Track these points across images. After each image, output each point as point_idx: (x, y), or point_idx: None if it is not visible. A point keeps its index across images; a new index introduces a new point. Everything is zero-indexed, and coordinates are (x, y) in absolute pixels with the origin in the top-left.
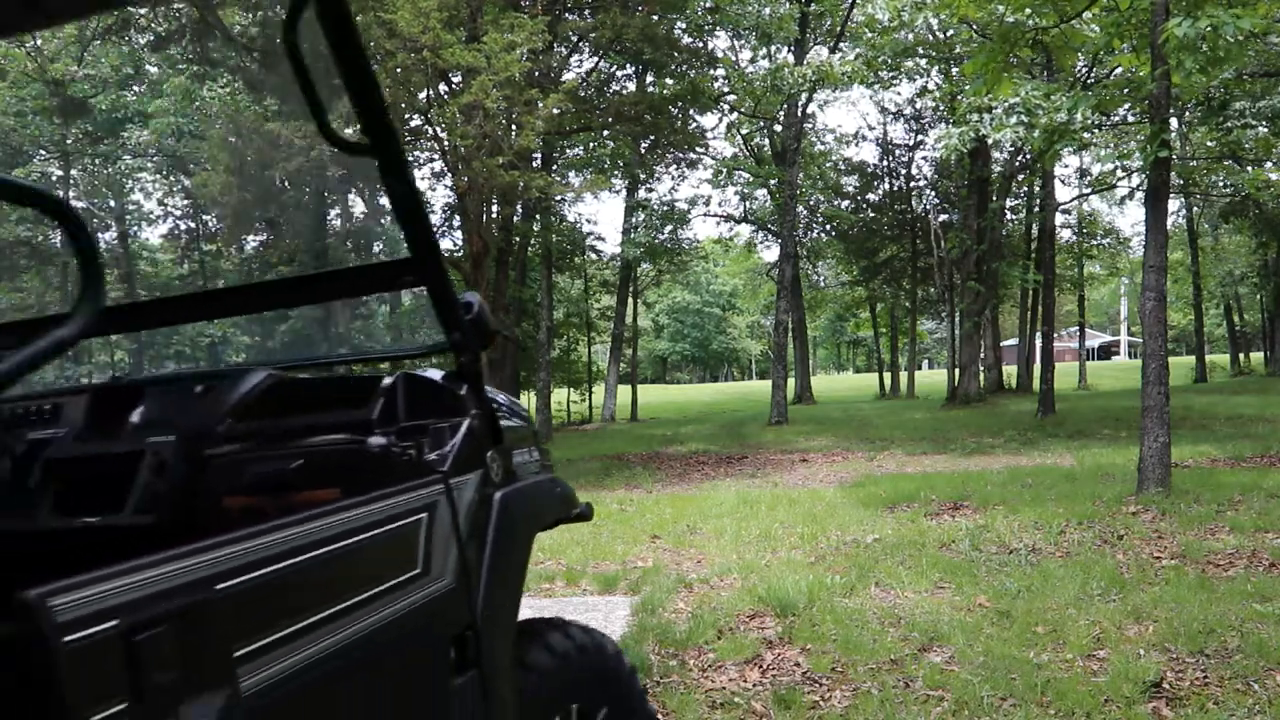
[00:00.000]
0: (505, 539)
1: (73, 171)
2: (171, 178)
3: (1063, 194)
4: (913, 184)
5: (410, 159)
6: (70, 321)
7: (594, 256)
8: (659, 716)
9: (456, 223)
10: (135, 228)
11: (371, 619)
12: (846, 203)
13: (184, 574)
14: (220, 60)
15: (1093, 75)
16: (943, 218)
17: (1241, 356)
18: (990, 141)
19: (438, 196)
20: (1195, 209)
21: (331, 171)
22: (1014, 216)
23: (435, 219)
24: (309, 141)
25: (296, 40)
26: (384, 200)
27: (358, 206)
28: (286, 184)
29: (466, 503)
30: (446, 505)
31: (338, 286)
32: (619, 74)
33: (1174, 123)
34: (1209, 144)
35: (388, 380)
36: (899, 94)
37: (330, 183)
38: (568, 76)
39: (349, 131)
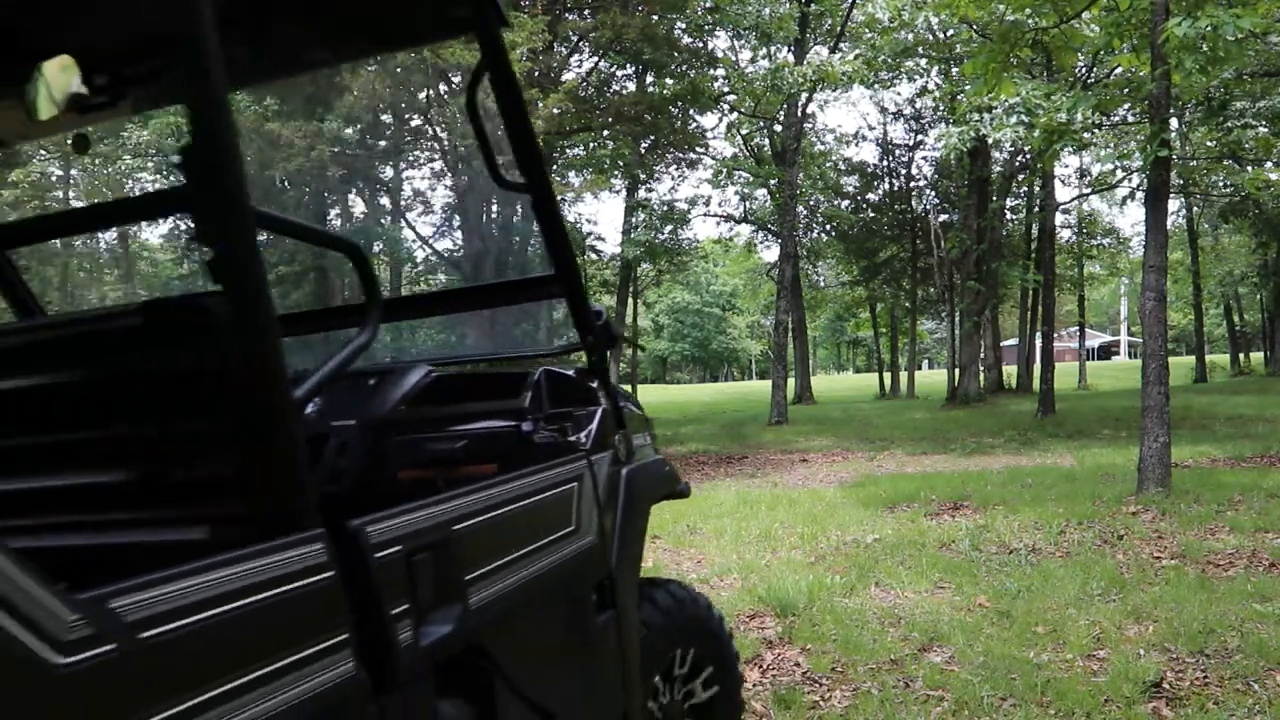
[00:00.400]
0: (631, 508)
1: (73, 171)
2: (172, 178)
3: (1063, 194)
4: (913, 184)
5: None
6: (363, 331)
7: (594, 256)
8: (740, 657)
9: (457, 223)
10: (135, 228)
11: (544, 561)
12: (846, 203)
13: (436, 518)
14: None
15: (1093, 75)
16: (943, 218)
17: (1241, 356)
18: (990, 141)
19: (438, 196)
20: (1195, 209)
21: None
22: (1014, 216)
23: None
24: (309, 141)
25: (476, 103)
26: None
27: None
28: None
29: (603, 477)
30: (589, 478)
31: (500, 295)
32: (619, 74)
33: (1174, 123)
34: (1209, 144)
35: (533, 375)
36: (899, 94)
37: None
38: (568, 76)
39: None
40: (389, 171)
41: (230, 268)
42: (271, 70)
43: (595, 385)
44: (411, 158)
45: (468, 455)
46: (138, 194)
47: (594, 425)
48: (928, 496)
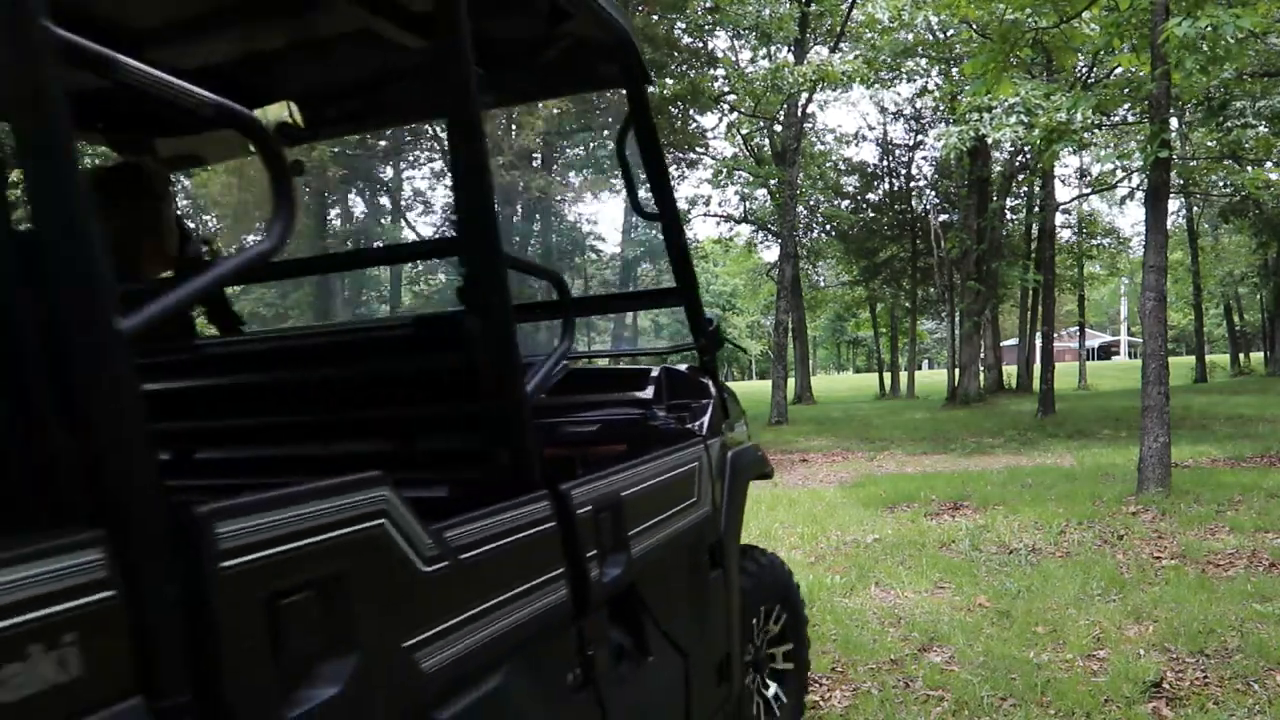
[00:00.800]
0: (735, 485)
1: None
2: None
3: (1063, 194)
4: (913, 184)
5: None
6: (563, 340)
7: (594, 256)
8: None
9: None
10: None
11: (677, 525)
12: (846, 203)
13: (612, 486)
14: None
15: (1093, 75)
16: (943, 218)
17: (1241, 356)
18: (990, 141)
19: (438, 196)
20: (1195, 209)
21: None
22: (1014, 216)
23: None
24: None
25: (623, 147)
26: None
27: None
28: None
29: (714, 459)
30: (706, 460)
31: (636, 301)
32: None
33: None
34: (1209, 144)
35: (655, 371)
36: (899, 94)
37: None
38: None
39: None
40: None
41: (485, 296)
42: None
43: (706, 381)
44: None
45: (601, 438)
46: (415, 240)
47: (707, 415)
48: (928, 496)
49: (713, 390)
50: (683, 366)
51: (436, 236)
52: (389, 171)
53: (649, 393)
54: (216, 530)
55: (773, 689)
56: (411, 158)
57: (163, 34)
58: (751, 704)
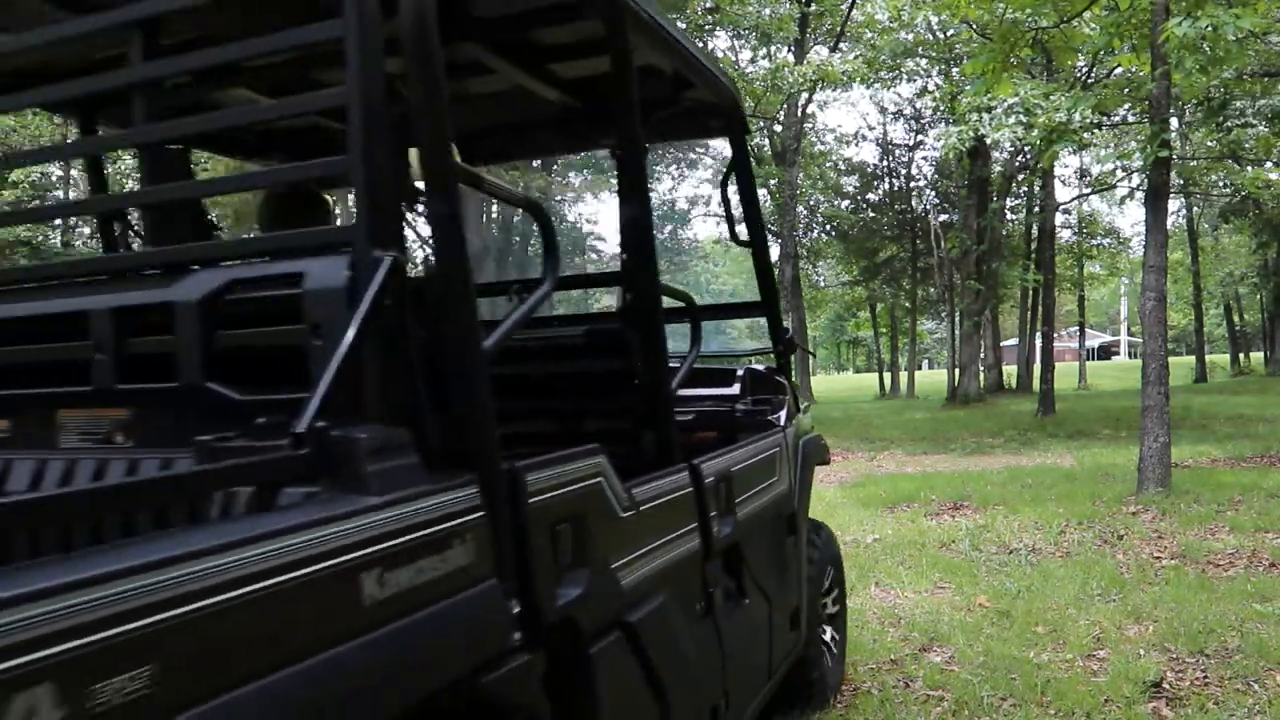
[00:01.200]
0: (805, 468)
1: (73, 172)
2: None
3: (1063, 194)
4: (913, 184)
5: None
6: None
7: (594, 256)
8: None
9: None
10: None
11: (765, 497)
12: (846, 203)
13: (726, 464)
14: None
15: (1092, 75)
16: (943, 218)
17: (1241, 356)
18: (990, 141)
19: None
20: (1195, 209)
21: None
22: (1014, 216)
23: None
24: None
25: (726, 186)
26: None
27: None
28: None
29: (790, 445)
30: (785, 446)
31: (726, 311)
32: None
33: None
34: (1209, 144)
35: (739, 370)
36: (899, 94)
37: None
38: None
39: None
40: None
41: (642, 318)
42: (571, 148)
43: (781, 379)
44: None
45: (698, 425)
46: (591, 271)
47: (785, 409)
48: (928, 496)
49: (787, 387)
50: (761, 366)
51: (604, 271)
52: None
53: (735, 389)
54: (528, 478)
55: (829, 633)
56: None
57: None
58: (819, 647)
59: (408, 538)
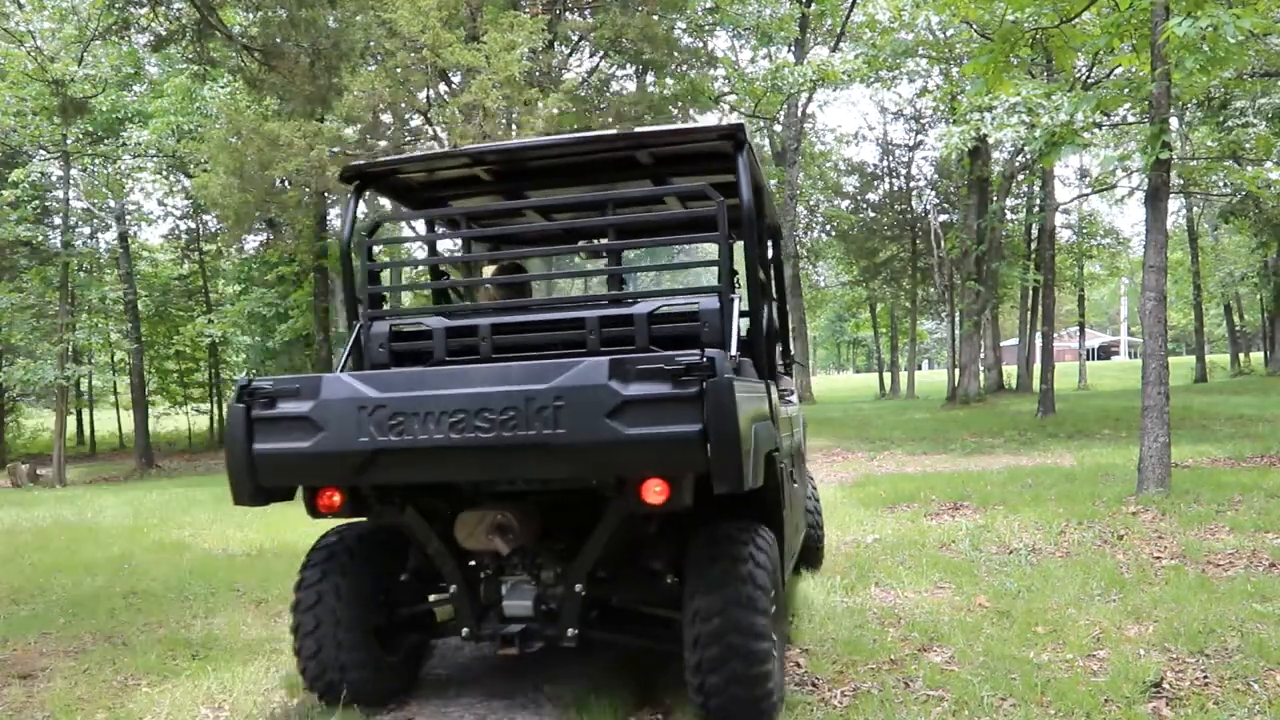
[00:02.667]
0: (804, 427)
1: (73, 171)
2: (171, 178)
3: (1063, 194)
4: (913, 184)
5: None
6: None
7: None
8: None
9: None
10: (135, 228)
11: (800, 433)
12: (846, 203)
13: (795, 409)
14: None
15: (1093, 75)
16: (943, 218)
17: (1241, 356)
18: (991, 141)
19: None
20: (1195, 209)
21: None
22: (1014, 216)
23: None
24: (308, 142)
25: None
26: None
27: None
28: None
29: (797, 411)
30: (800, 413)
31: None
32: (619, 74)
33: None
34: (1209, 144)
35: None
36: (899, 94)
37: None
38: (567, 76)
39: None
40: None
41: (769, 348)
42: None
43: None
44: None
45: None
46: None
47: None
48: (928, 496)
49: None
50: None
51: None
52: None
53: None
54: (772, 390)
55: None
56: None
57: (556, 181)
58: (819, 529)
59: (751, 394)
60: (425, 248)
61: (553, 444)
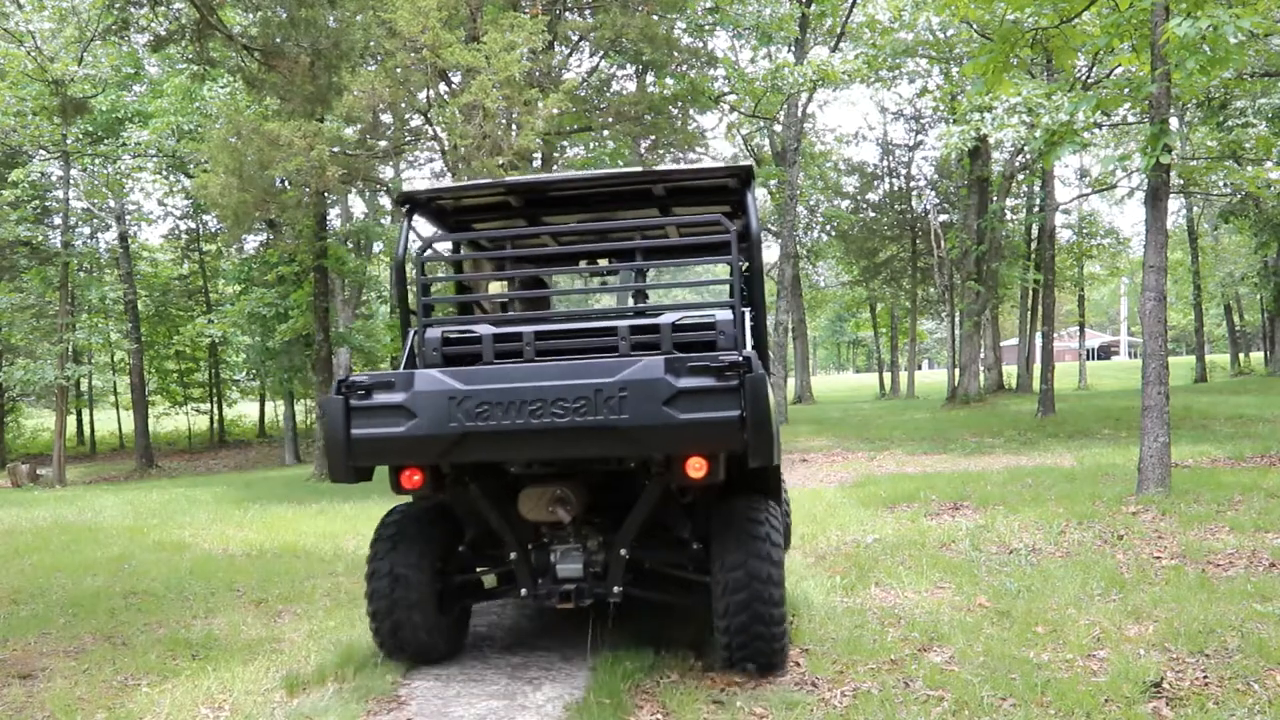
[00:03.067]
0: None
1: (73, 171)
2: (171, 178)
3: (1063, 194)
4: (913, 184)
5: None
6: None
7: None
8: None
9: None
10: (135, 228)
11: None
12: (846, 203)
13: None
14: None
15: (1093, 75)
16: (943, 218)
17: (1241, 356)
18: (991, 141)
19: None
20: (1195, 209)
21: None
22: (1014, 216)
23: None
24: (308, 142)
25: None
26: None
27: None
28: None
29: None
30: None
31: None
32: (619, 74)
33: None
34: (1209, 144)
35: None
36: (899, 94)
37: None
38: (567, 76)
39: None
40: None
41: (760, 351)
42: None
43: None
44: None
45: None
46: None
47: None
48: (928, 496)
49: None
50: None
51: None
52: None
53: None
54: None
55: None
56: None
57: (588, 208)
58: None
59: (770, 388)
60: (452, 267)
61: (619, 426)
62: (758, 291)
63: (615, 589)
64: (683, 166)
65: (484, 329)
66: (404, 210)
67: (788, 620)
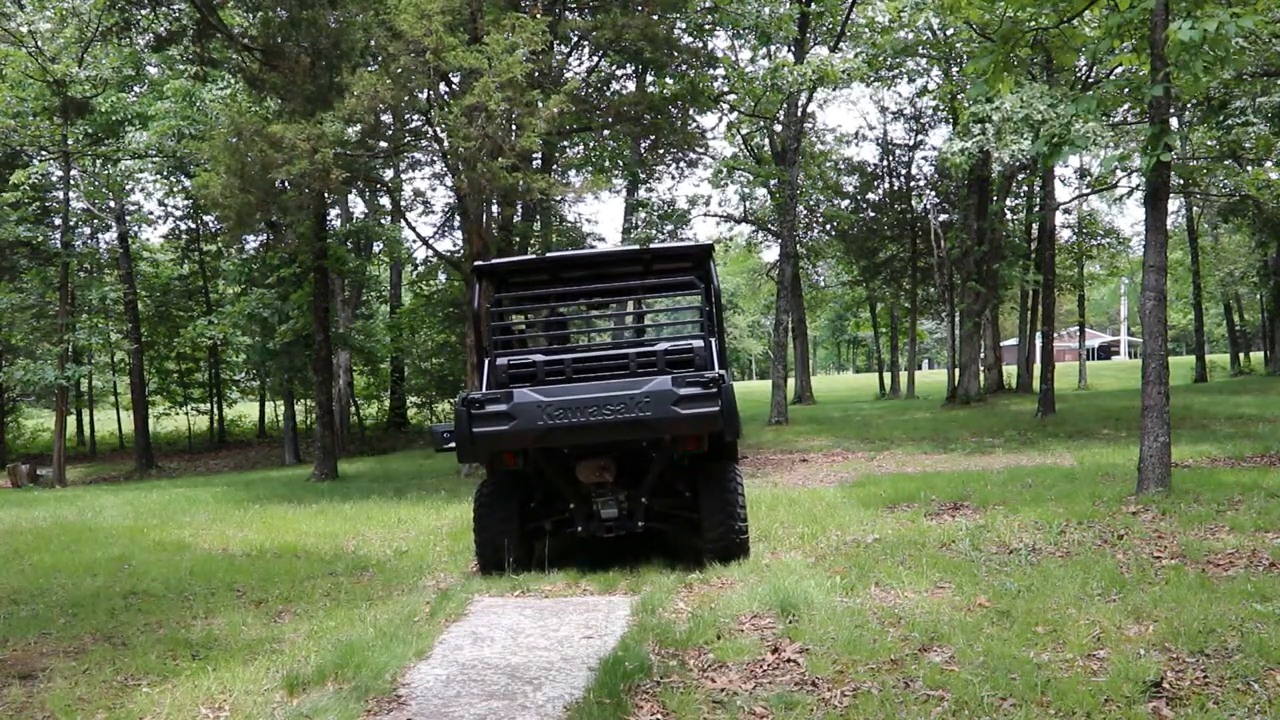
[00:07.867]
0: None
1: (74, 172)
2: (172, 178)
3: (1063, 194)
4: (913, 184)
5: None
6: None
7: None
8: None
9: (456, 223)
10: (135, 229)
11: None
12: (846, 203)
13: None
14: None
15: (1093, 75)
16: (943, 218)
17: (1241, 356)
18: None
19: (438, 197)
20: (1195, 209)
21: None
22: (1014, 216)
23: (435, 219)
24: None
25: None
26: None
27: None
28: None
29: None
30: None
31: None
32: (619, 74)
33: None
34: (1209, 144)
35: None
36: (899, 94)
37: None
38: (568, 76)
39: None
40: None
41: (722, 376)
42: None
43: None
44: None
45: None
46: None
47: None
48: (928, 496)
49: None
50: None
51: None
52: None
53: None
54: (725, 382)
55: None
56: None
57: (576, 280)
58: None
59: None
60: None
61: (645, 420)
62: (719, 325)
63: (640, 524)
64: (667, 245)
65: (537, 357)
66: (476, 276)
67: (748, 528)
